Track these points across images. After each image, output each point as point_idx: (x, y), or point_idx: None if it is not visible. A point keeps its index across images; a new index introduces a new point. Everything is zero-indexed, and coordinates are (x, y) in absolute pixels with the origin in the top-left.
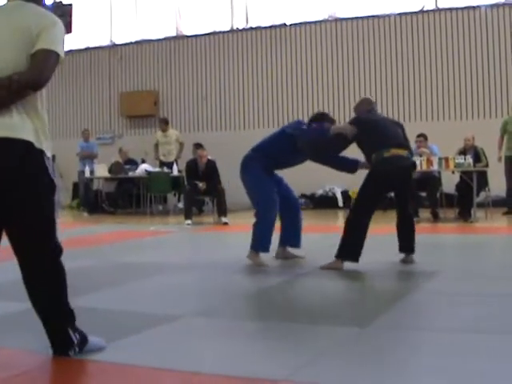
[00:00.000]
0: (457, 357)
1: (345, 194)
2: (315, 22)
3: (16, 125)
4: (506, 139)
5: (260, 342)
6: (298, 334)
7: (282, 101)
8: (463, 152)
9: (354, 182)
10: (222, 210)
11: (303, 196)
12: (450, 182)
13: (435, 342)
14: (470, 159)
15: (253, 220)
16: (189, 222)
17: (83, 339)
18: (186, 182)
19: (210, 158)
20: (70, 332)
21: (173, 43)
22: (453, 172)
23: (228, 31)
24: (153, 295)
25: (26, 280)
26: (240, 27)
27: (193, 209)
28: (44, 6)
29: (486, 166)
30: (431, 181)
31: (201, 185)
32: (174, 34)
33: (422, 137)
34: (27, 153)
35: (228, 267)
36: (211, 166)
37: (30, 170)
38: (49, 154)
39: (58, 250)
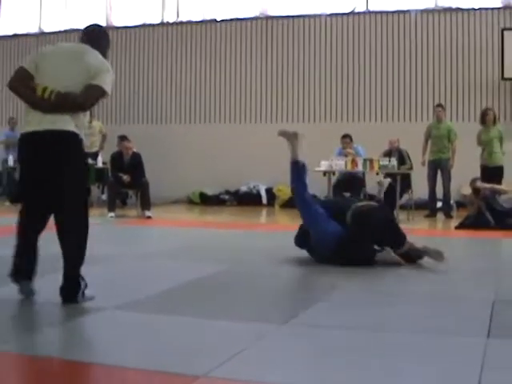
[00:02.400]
0: (369, 355)
1: (269, 191)
2: (246, 19)
3: (66, 121)
4: (430, 144)
5: (181, 337)
6: (220, 329)
7: (210, 96)
8: (388, 154)
9: (279, 179)
10: (146, 204)
11: (227, 192)
12: (374, 184)
13: (349, 340)
14: (394, 161)
15: (177, 214)
16: (112, 214)
17: (85, 286)
18: (110, 174)
19: (135, 150)
20: (80, 279)
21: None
22: (377, 173)
23: (158, 24)
24: None
25: (61, 235)
26: (170, 21)
27: (116, 201)
28: None
29: (410, 168)
30: (355, 181)
31: (125, 177)
32: (104, 25)
33: (348, 137)
34: (74, 139)
35: (152, 260)
36: (136, 159)
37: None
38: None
39: (86, 210)
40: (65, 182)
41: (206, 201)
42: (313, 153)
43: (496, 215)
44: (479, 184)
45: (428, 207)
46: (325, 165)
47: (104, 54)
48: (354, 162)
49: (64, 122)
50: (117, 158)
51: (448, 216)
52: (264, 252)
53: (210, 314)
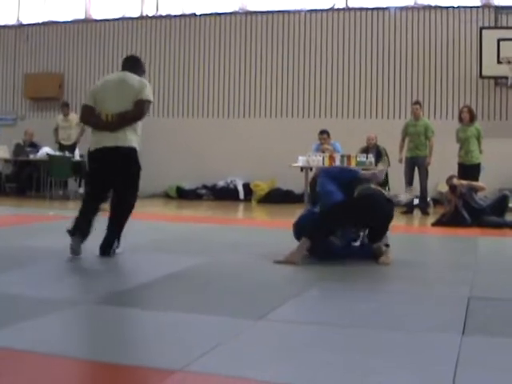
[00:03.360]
0: (343, 351)
1: (246, 186)
2: (225, 14)
3: (127, 138)
4: (408, 141)
5: (158, 332)
6: (197, 324)
7: (188, 91)
8: (365, 150)
9: (256, 175)
10: None
11: (204, 187)
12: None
13: (325, 336)
14: (371, 158)
15: (154, 208)
16: None
17: (117, 247)
18: (87, 168)
19: None
20: (116, 240)
21: (81, 26)
22: None
23: (138, 18)
24: (51, 280)
25: (116, 208)
26: (150, 14)
27: None
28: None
29: (388, 165)
30: None
31: None
32: (83, 17)
33: (325, 133)
34: (131, 152)
35: (128, 254)
36: None
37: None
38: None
39: (135, 197)
40: (127, 179)
41: (183, 195)
42: (290, 148)
43: (472, 213)
44: (456, 181)
45: (405, 204)
46: (302, 160)
47: (140, 75)
48: (331, 158)
49: (125, 140)
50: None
51: (425, 213)
52: (241, 247)
53: (187, 308)
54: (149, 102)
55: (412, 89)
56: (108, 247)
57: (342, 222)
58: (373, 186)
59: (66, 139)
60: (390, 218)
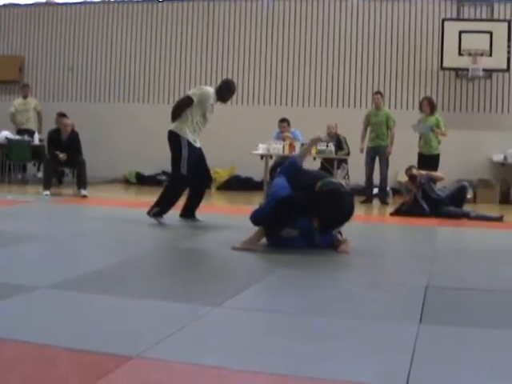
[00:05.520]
0: (302, 339)
1: None
2: (187, 0)
3: (175, 126)
4: (369, 130)
5: (114, 318)
6: (154, 310)
7: (149, 76)
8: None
9: (216, 162)
10: (82, 183)
11: (164, 173)
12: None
13: (283, 323)
14: (332, 147)
15: (113, 194)
16: (47, 192)
17: (158, 214)
18: (46, 152)
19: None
20: (156, 207)
21: (42, 9)
22: (314, 158)
23: (99, 2)
24: (8, 265)
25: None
26: None
27: (52, 180)
28: None
29: (348, 154)
30: None
31: (62, 155)
32: (45, 1)
33: (285, 122)
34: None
35: (86, 239)
36: (74, 137)
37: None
38: (190, 139)
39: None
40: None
41: (143, 181)
42: (250, 136)
43: (431, 203)
44: (415, 171)
45: (364, 193)
46: (262, 148)
47: (220, 95)
48: (291, 147)
49: (175, 126)
50: (54, 136)
51: (384, 202)
52: (199, 234)
53: (144, 294)
54: (188, 97)
55: (373, 78)
56: (150, 210)
57: (299, 214)
58: (334, 180)
59: (25, 122)
60: (351, 213)
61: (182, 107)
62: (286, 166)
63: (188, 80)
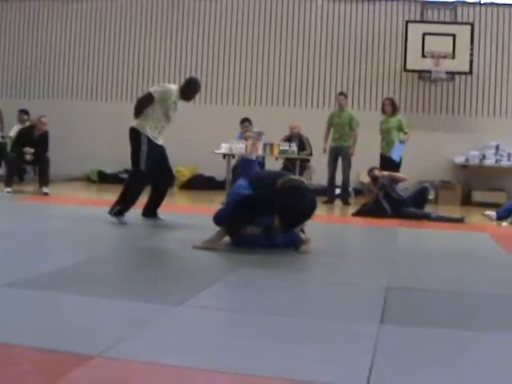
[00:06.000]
0: (263, 339)
1: None
2: None
3: (137, 122)
4: (332, 131)
5: (75, 316)
6: (114, 309)
7: (112, 73)
8: (288, 139)
9: (178, 160)
10: (45, 180)
11: (126, 171)
12: (273, 167)
13: (243, 323)
14: (294, 147)
15: (74, 192)
16: (9, 189)
17: (119, 212)
18: (9, 149)
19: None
20: (120, 205)
21: (0, 4)
22: (276, 158)
23: None
24: None
25: None
26: None
27: (14, 177)
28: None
29: (310, 154)
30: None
31: (29, 156)
32: None
33: (247, 121)
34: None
35: (47, 237)
36: (45, 135)
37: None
38: (150, 136)
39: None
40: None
41: (105, 179)
42: (213, 135)
43: (393, 203)
44: (377, 172)
45: (326, 193)
46: (225, 147)
47: (184, 94)
48: (254, 146)
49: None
50: (26, 133)
51: (346, 203)
52: (159, 233)
53: (106, 293)
54: (149, 93)
55: (337, 79)
56: (111, 209)
57: (260, 212)
58: (294, 176)
59: None
60: (313, 209)
61: (143, 104)
62: (243, 166)
63: (151, 78)
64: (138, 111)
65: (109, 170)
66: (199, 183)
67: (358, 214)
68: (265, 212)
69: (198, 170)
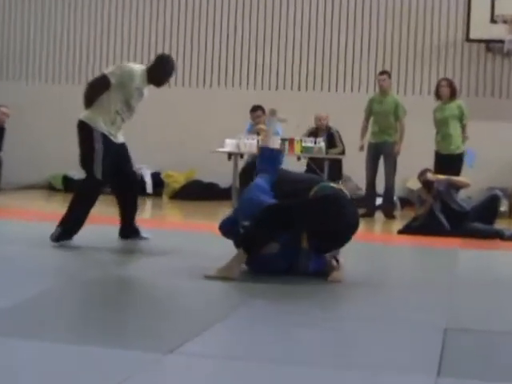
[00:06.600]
0: None
1: (156, 177)
2: None
3: (87, 114)
4: (372, 123)
5: (31, 368)
6: (89, 357)
7: (78, 52)
8: (314, 133)
9: (169, 162)
10: None
11: None
12: (294, 170)
13: (245, 374)
14: (321, 143)
15: (31, 202)
16: None
17: (59, 235)
18: None
19: None
20: (58, 228)
21: None
22: (298, 158)
23: None
24: None
25: None
26: None
27: None
28: None
29: (342, 153)
30: None
31: None
32: None
33: (259, 110)
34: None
35: None
36: (1, 130)
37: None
38: (105, 132)
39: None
40: None
41: (72, 187)
42: (216, 128)
43: (452, 217)
44: (431, 176)
45: (365, 204)
46: (230, 144)
47: (153, 76)
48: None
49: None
50: None
51: (389, 216)
52: (147, 257)
53: (75, 338)
54: (104, 74)
55: (377, 55)
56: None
57: (287, 228)
58: (332, 184)
59: None
60: (355, 227)
61: (95, 90)
62: (264, 159)
63: (131, 56)
64: (88, 100)
65: (76, 175)
66: (196, 192)
67: (406, 230)
68: (293, 228)
69: (196, 175)
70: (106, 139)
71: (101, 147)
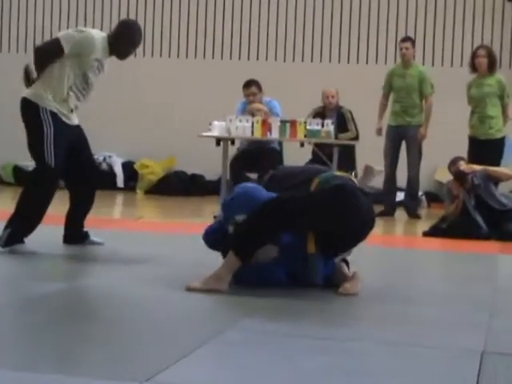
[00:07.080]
0: None
1: (128, 167)
2: None
3: (32, 90)
4: (392, 100)
5: None
6: None
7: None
8: (321, 114)
9: (144, 150)
10: None
11: None
12: (296, 160)
13: None
14: (330, 126)
15: None
16: None
17: (8, 237)
18: None
19: None
20: (6, 230)
21: None
22: (302, 144)
23: None
24: None
25: None
26: None
27: None
28: None
29: (356, 138)
30: (267, 157)
31: None
32: None
33: (254, 86)
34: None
35: None
36: None
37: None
38: (56, 111)
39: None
40: None
41: (25, 180)
42: (201, 107)
43: (490, 216)
44: (465, 166)
45: (383, 200)
46: (219, 127)
47: (115, 46)
48: (265, 125)
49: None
50: None
51: (413, 215)
52: (118, 265)
53: (26, 363)
54: (56, 38)
55: (398, 18)
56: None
57: (289, 225)
58: (338, 173)
59: None
60: (371, 223)
61: (44, 58)
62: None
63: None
64: (37, 69)
65: (31, 165)
66: (177, 185)
67: (434, 232)
68: (297, 226)
69: (176, 165)
70: (56, 119)
71: (51, 129)
